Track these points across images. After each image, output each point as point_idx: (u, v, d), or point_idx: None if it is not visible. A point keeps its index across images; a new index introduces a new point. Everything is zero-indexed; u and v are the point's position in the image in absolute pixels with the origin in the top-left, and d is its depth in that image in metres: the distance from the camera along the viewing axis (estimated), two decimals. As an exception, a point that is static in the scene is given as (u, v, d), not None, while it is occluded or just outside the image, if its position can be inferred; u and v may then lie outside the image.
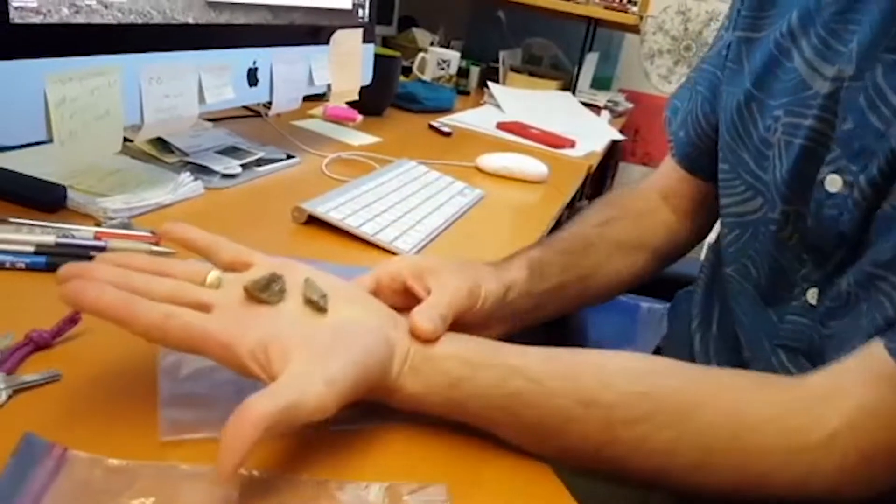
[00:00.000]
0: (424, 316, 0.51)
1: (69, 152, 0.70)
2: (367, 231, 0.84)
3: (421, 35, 2.26)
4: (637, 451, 0.48)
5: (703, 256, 0.85)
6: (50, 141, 0.69)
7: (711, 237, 0.82)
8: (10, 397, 0.46)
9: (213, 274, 0.48)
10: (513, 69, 2.25)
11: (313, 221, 0.86)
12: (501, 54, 2.21)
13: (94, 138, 0.73)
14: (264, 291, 0.47)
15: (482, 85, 2.15)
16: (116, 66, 0.74)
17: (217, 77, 0.90)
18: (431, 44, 2.20)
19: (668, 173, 0.81)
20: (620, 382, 0.49)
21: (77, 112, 0.70)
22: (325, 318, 0.48)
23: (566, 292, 0.69)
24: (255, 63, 0.99)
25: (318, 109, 1.46)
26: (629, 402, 0.48)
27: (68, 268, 0.44)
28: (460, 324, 0.54)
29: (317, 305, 0.48)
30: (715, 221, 0.80)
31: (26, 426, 0.42)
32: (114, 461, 0.42)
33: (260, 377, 0.44)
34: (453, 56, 2.03)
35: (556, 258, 0.69)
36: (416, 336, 0.50)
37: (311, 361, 0.43)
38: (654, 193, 0.82)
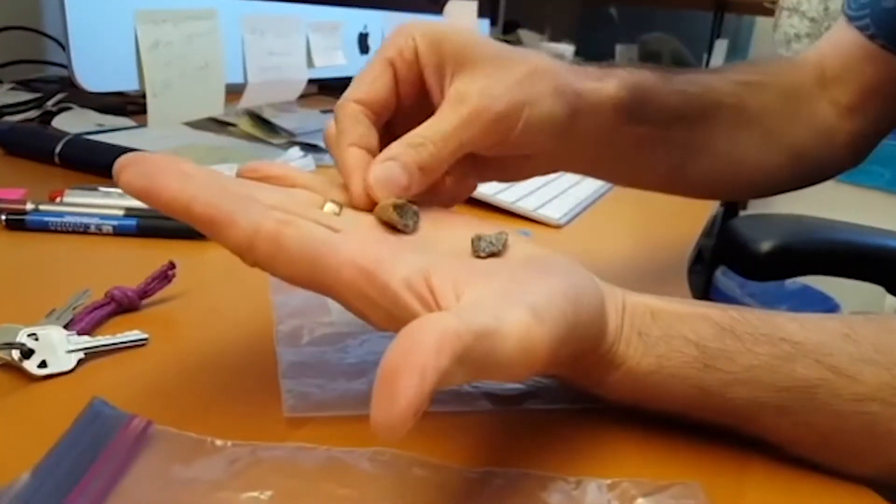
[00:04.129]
0: (389, 163, 0.34)
1: (163, 106, 0.60)
2: (504, 199, 0.70)
3: (528, 36, 2.14)
4: None
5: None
6: (142, 96, 0.60)
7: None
8: (80, 362, 0.34)
9: (330, 205, 0.34)
10: (631, 62, 2.09)
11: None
12: (618, 48, 2.06)
13: (193, 92, 0.63)
14: (401, 215, 0.33)
15: (597, 82, 1.99)
16: (213, 9, 0.64)
17: (326, 37, 0.80)
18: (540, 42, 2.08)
19: (835, 50, 0.58)
20: None
21: (173, 60, 0.60)
22: (497, 259, 0.33)
23: (657, 155, 0.47)
24: (365, 27, 0.88)
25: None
26: None
27: (132, 155, 0.29)
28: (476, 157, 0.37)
29: (479, 247, 0.33)
30: (886, 133, 0.58)
31: (101, 396, 0.30)
32: (218, 441, 0.29)
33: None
34: (567, 49, 1.89)
35: (669, 99, 0.46)
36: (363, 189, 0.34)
37: (498, 290, 0.28)
38: (810, 71, 0.58)
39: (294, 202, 0.32)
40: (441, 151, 0.35)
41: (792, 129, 0.55)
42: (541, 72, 0.38)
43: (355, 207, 0.34)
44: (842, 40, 0.58)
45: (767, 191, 0.57)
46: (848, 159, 0.59)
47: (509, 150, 0.38)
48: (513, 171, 0.42)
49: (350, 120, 0.35)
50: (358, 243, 0.29)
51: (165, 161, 0.29)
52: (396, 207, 0.33)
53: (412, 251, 0.31)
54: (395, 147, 0.34)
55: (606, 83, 0.42)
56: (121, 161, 0.28)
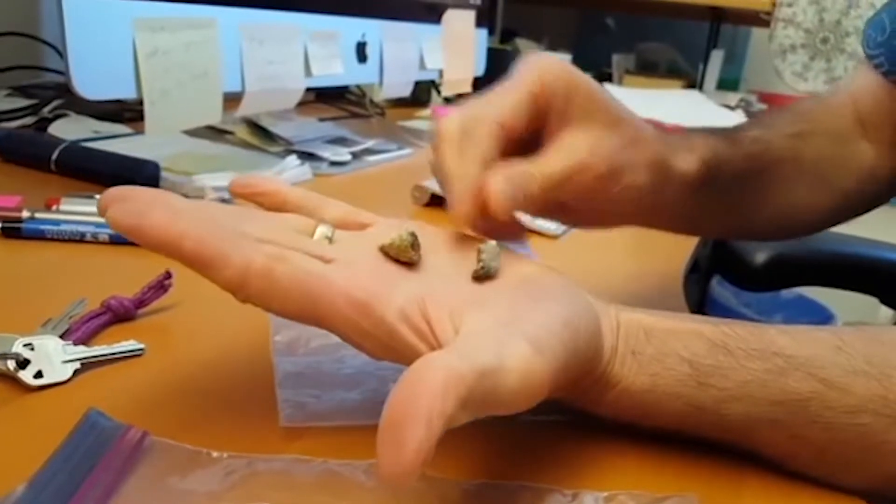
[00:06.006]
0: (508, 181, 0.33)
1: (161, 114, 0.60)
2: (502, 208, 0.71)
3: (525, 45, 2.14)
4: None
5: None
6: (139, 103, 0.60)
7: None
8: (77, 372, 0.34)
9: (322, 229, 0.33)
10: (628, 72, 2.10)
11: (436, 203, 0.73)
12: (615, 57, 2.06)
13: (190, 101, 0.63)
14: (416, 250, 0.32)
15: (594, 91, 1.99)
16: (213, 17, 0.64)
17: (324, 46, 0.80)
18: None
19: (864, 90, 0.60)
20: None
21: (171, 68, 0.60)
22: (493, 282, 0.33)
23: (730, 214, 0.50)
24: (363, 36, 0.88)
25: (425, 111, 1.36)
26: None
27: (119, 189, 0.29)
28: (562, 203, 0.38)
29: (480, 271, 0.32)
30: None
31: (97, 406, 0.30)
32: (214, 453, 0.29)
33: (415, 350, 0.28)
34: (564, 59, 1.90)
35: (737, 164, 0.47)
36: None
37: (496, 322, 0.28)
38: (848, 113, 0.60)
39: (284, 231, 0.32)
40: (545, 190, 0.36)
41: (840, 173, 0.57)
42: (641, 140, 0.40)
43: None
44: (867, 79, 0.59)
45: (814, 230, 0.59)
46: (892, 191, 0.60)
47: (593, 204, 0.39)
48: (580, 219, 0.43)
49: (489, 138, 0.35)
50: (351, 275, 0.29)
51: (153, 196, 0.29)
52: (413, 245, 0.32)
53: (406, 278, 0.31)
54: (509, 170, 0.35)
55: (689, 159, 0.43)
56: (106, 196, 0.28)
